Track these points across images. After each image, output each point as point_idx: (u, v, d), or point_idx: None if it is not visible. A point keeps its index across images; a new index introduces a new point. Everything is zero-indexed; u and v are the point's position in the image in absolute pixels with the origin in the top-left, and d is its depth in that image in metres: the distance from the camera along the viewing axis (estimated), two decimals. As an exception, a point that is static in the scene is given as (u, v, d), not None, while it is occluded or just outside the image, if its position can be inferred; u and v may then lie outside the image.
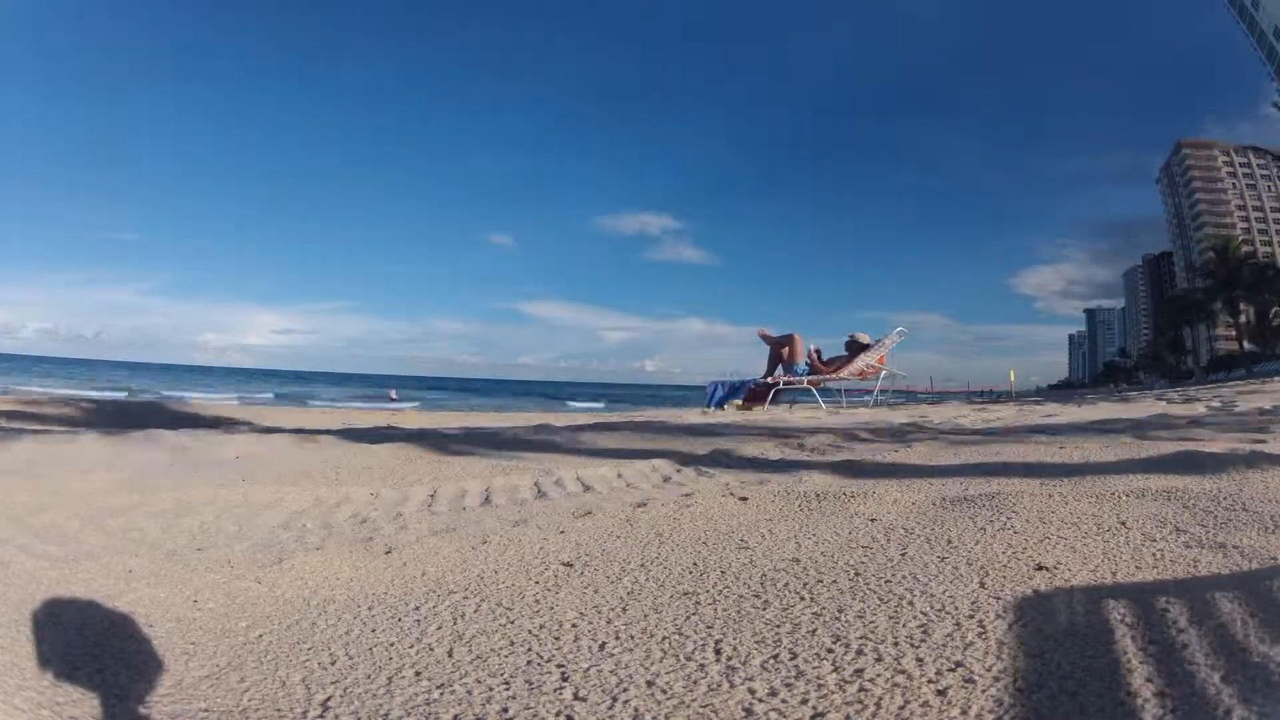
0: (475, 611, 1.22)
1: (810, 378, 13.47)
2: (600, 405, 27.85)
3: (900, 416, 7.52)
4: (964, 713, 0.82)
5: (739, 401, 12.77)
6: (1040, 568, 1.39)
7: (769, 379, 13.58)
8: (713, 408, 12.58)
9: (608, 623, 1.15)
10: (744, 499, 2.23)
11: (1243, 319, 43.79)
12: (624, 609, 1.22)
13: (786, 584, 1.34)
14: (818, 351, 13.84)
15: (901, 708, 0.84)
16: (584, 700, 0.88)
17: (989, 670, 0.93)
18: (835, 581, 1.35)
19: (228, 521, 2.01)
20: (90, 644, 1.07)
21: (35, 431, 5.04)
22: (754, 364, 14.61)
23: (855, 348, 13.84)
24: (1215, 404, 7.54)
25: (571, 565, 1.50)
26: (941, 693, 0.87)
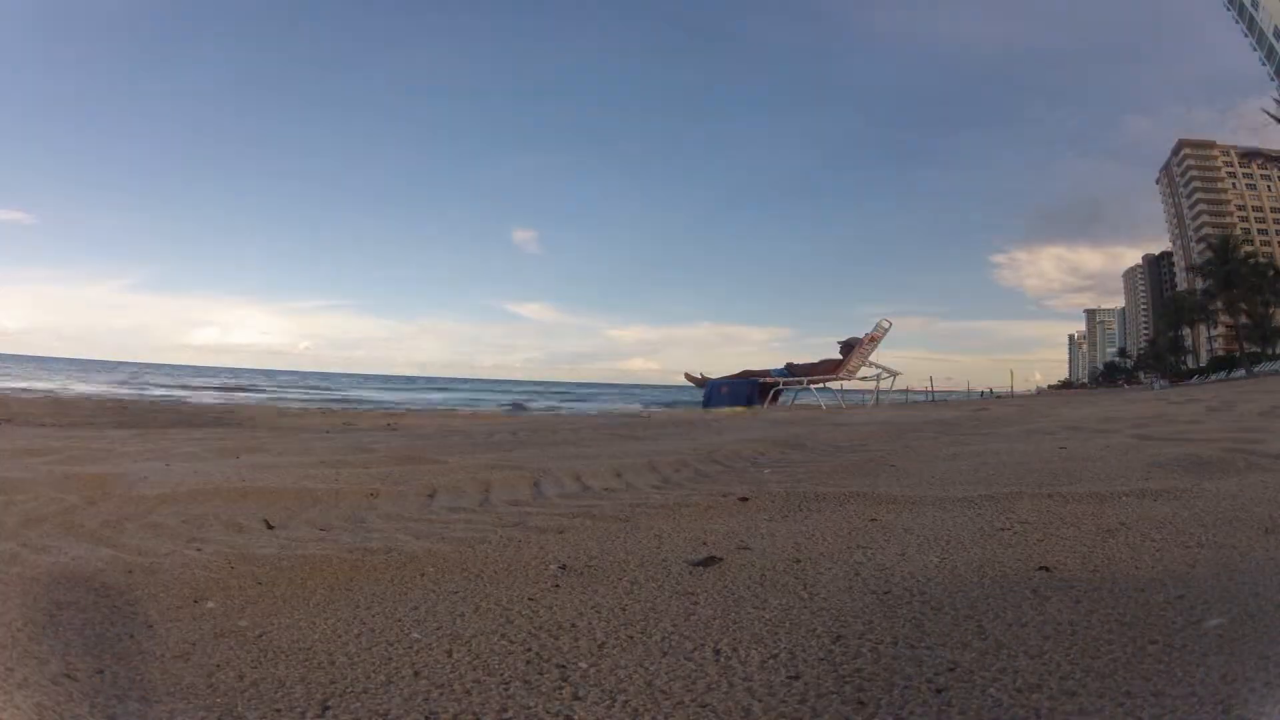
0: (474, 611, 1.22)
1: (811, 378, 13.48)
2: (598, 405, 27.81)
3: (903, 415, 7.52)
4: (962, 712, 0.82)
5: (742, 407, 12.69)
6: (1040, 568, 1.39)
7: (767, 379, 13.60)
8: (712, 408, 12.57)
9: (606, 623, 1.15)
10: (744, 499, 2.23)
11: (1242, 319, 43.78)
12: (622, 609, 1.22)
13: (786, 584, 1.34)
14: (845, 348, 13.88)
15: (900, 708, 0.84)
16: (582, 700, 0.88)
17: (988, 670, 0.93)
18: (834, 581, 1.35)
19: (226, 520, 2.01)
20: (90, 643, 1.07)
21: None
22: (750, 364, 14.66)
23: (848, 350, 13.87)
24: (1215, 404, 7.54)
25: (570, 566, 1.50)
26: (939, 691, 0.87)
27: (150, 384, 27.18)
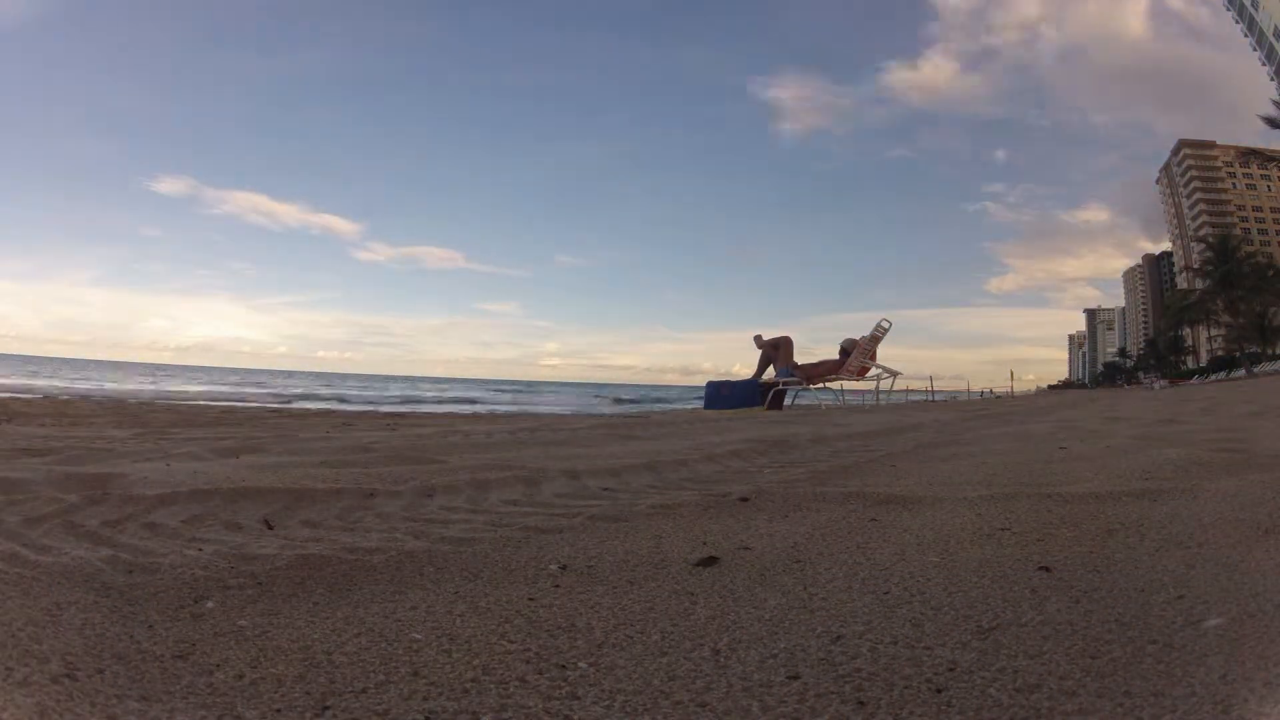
0: (473, 611, 1.22)
1: (812, 379, 13.47)
2: (596, 405, 27.79)
3: (903, 415, 7.52)
4: (962, 712, 0.82)
5: (743, 408, 12.58)
6: (1041, 568, 1.39)
7: (765, 380, 13.59)
8: (711, 409, 12.56)
9: (605, 623, 1.15)
10: (744, 499, 2.23)
11: (1242, 319, 43.83)
12: (622, 609, 1.22)
13: (785, 584, 1.34)
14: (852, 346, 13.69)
15: (900, 708, 0.84)
16: (581, 700, 0.88)
17: (988, 670, 0.93)
18: (834, 581, 1.35)
19: (226, 520, 2.01)
20: (90, 643, 1.07)
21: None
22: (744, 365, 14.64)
23: (848, 352, 13.83)
24: (1214, 404, 7.54)
25: (570, 566, 1.50)
26: (939, 691, 0.87)
27: (140, 384, 27.13)
